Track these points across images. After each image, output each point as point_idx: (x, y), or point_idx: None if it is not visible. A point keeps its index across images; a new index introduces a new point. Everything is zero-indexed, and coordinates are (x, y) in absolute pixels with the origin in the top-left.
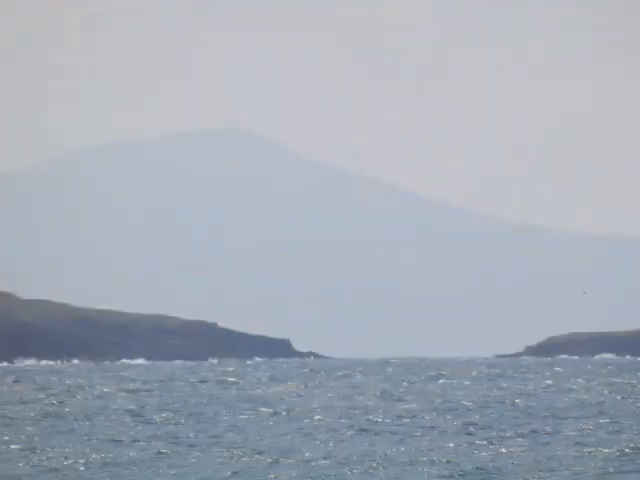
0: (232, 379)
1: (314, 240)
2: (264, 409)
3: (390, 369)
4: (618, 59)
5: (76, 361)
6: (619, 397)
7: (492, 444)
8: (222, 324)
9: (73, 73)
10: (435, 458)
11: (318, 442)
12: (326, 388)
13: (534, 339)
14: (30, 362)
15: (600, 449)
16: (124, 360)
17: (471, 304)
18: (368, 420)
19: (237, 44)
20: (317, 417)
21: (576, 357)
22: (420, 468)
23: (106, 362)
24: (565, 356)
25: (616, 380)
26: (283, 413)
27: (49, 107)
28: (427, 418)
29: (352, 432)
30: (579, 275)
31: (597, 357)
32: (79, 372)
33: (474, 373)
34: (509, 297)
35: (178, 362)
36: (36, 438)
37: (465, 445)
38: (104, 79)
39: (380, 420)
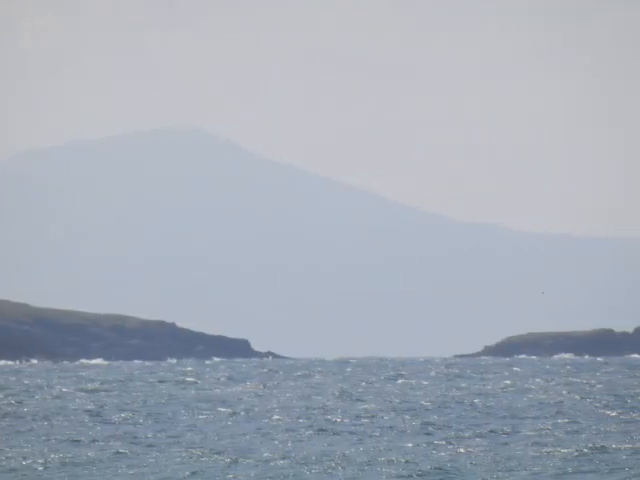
0: (191, 379)
1: (271, 240)
2: (223, 409)
3: (349, 369)
4: (582, 68)
5: (34, 361)
6: (578, 397)
7: (451, 444)
8: (181, 324)
9: (27, 73)
10: (394, 458)
11: (277, 442)
12: (285, 388)
13: (493, 339)
14: None
15: (559, 449)
16: (83, 360)
17: (429, 304)
18: (327, 420)
19: (191, 44)
20: (276, 417)
21: (535, 357)
22: (379, 468)
23: (65, 362)
24: (524, 356)
25: (575, 380)
26: (242, 413)
27: (2, 107)
28: (386, 418)
29: (311, 432)
30: (537, 275)
31: (556, 357)
32: (38, 372)
33: (433, 373)
34: (467, 297)
35: (137, 362)
36: None
37: (424, 445)
38: (57, 79)
39: (339, 420)
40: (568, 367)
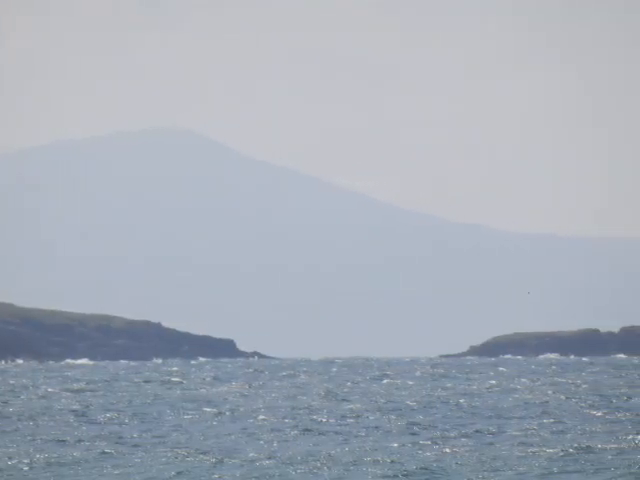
0: (176, 379)
1: (258, 240)
2: (208, 409)
3: (334, 369)
4: (569, 59)
5: (20, 361)
6: (563, 397)
7: (436, 444)
8: (166, 324)
9: (11, 73)
10: (379, 458)
11: (262, 442)
12: (270, 388)
13: (478, 339)
14: None
15: (544, 449)
16: (68, 360)
17: (415, 304)
18: (312, 420)
19: (177, 43)
20: (261, 417)
21: (520, 357)
22: (364, 468)
23: (50, 362)
24: (509, 356)
25: (560, 380)
26: (227, 413)
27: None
28: (371, 418)
29: (296, 432)
30: (523, 275)
31: (541, 357)
32: (23, 372)
33: (418, 373)
34: (453, 297)
35: (122, 362)
36: None
37: (409, 445)
38: (56, 79)
39: (324, 420)
40: (554, 367)
